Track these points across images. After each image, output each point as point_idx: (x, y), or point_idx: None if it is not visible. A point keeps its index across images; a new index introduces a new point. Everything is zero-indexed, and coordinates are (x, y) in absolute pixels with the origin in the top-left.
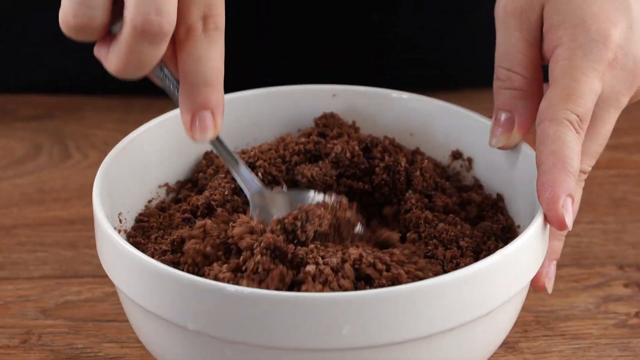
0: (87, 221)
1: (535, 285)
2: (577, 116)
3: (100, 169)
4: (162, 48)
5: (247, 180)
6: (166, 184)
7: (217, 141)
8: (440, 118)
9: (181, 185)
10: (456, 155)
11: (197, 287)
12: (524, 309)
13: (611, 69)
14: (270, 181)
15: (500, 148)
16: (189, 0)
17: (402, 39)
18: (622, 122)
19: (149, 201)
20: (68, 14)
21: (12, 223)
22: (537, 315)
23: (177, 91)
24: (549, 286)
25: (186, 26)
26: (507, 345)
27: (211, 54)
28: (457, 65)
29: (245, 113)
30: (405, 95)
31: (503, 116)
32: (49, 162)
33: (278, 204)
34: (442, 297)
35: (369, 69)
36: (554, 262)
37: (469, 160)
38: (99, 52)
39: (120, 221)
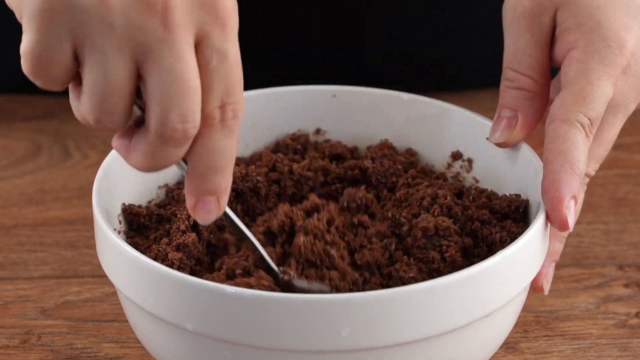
0: (87, 221)
1: (534, 287)
2: (589, 119)
3: (100, 169)
4: (187, 146)
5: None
6: (166, 185)
7: (225, 216)
8: (440, 118)
9: (181, 186)
10: (456, 156)
11: (197, 288)
12: (524, 309)
13: (623, 75)
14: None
15: (498, 145)
16: (208, 88)
17: (402, 40)
18: (624, 123)
19: (149, 202)
20: (87, 116)
21: (12, 223)
22: (537, 315)
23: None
24: (547, 288)
25: (203, 114)
26: (507, 345)
27: (227, 144)
28: (457, 66)
29: (245, 114)
30: (405, 95)
31: (506, 113)
32: (49, 162)
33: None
34: (441, 299)
35: (368, 70)
36: (554, 264)
37: (469, 161)
38: (118, 143)
39: (120, 222)
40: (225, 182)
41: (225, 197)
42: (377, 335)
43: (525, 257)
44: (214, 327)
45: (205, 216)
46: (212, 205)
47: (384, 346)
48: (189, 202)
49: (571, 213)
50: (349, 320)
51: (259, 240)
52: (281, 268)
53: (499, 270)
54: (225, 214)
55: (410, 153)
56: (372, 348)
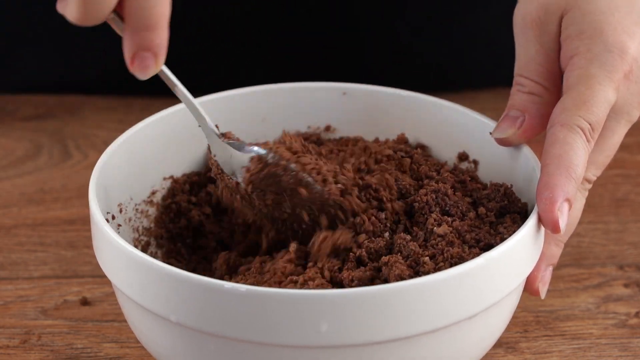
0: (87, 221)
1: (529, 290)
2: (589, 124)
3: (99, 161)
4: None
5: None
6: (171, 177)
7: (162, 73)
8: (448, 119)
9: (187, 178)
10: (462, 157)
11: (180, 280)
12: (525, 309)
13: (626, 81)
14: None
15: (499, 142)
16: None
17: (403, 40)
18: None
19: (153, 193)
20: None
21: (12, 223)
22: (537, 315)
23: None
24: (543, 291)
25: None
26: (507, 345)
27: (155, 0)
28: (458, 67)
29: (256, 109)
30: (414, 95)
31: (514, 113)
32: (49, 162)
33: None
34: (422, 299)
35: (370, 70)
36: (550, 268)
37: (475, 162)
38: (60, 6)
39: (121, 211)
40: (159, 38)
41: (162, 54)
42: (356, 333)
43: (514, 258)
44: (196, 319)
45: (143, 71)
46: (149, 60)
47: (362, 344)
48: (126, 57)
49: (563, 215)
50: (327, 317)
51: None
52: (221, 132)
53: (483, 272)
54: (162, 71)
55: (421, 147)
56: (352, 345)
